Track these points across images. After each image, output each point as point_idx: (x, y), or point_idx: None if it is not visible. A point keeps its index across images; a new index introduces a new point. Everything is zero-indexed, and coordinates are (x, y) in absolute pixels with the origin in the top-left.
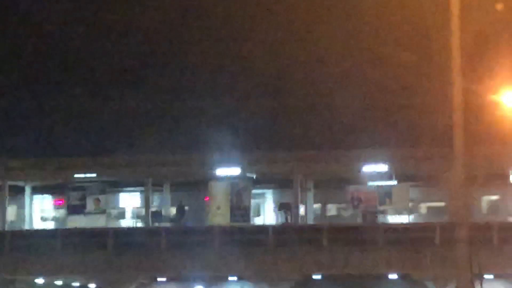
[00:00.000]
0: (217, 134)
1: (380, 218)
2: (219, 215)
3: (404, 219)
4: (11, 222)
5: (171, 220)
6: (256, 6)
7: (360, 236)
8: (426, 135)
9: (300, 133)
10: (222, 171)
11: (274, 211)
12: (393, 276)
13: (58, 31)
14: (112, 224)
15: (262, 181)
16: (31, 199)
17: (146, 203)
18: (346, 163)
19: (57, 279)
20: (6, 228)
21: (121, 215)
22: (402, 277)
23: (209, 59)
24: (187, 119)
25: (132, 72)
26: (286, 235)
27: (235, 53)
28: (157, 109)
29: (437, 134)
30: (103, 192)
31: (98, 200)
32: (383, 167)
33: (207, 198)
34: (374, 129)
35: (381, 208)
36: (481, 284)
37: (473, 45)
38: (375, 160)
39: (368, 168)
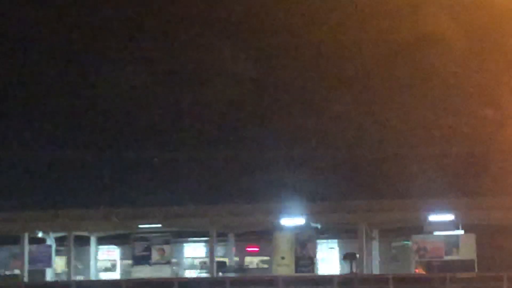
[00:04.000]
0: (281, 184)
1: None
2: (283, 265)
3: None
4: (77, 272)
5: (235, 270)
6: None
7: (426, 286)
8: (494, 184)
9: (365, 182)
10: (286, 221)
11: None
12: None
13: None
14: (177, 275)
15: (327, 231)
16: (96, 250)
17: (211, 253)
18: (412, 213)
19: None
20: (72, 278)
21: (186, 265)
22: None
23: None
24: (252, 169)
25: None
26: (352, 285)
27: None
28: (222, 160)
29: (504, 183)
30: (167, 242)
31: (162, 250)
32: (449, 217)
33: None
34: (441, 178)
35: (447, 258)
36: None
37: None
38: (442, 210)
39: (435, 218)
